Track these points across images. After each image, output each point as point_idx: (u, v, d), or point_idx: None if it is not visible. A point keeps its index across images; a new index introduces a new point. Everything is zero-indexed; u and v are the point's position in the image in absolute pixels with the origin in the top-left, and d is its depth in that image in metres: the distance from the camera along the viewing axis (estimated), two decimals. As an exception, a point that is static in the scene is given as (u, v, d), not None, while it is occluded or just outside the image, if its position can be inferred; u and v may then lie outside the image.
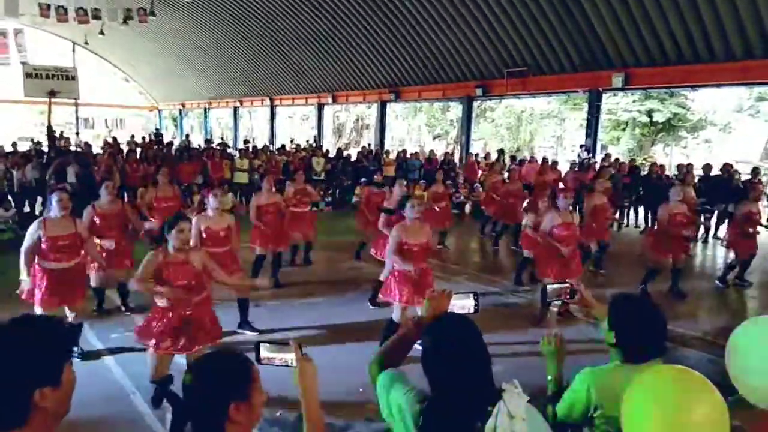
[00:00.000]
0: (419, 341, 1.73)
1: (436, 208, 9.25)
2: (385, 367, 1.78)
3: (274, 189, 7.40)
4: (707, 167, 11.65)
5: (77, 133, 24.68)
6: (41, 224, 4.59)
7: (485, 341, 1.58)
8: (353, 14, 16.63)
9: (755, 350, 1.54)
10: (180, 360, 4.01)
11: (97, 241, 5.56)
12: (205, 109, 30.82)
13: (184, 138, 23.14)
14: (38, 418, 1.22)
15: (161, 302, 3.81)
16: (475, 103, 17.77)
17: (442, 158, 16.52)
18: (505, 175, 11.65)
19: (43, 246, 4.57)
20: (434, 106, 29.32)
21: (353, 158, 17.01)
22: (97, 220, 5.64)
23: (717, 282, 7.85)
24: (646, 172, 12.91)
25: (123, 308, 6.08)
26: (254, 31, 20.76)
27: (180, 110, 33.10)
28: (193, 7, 19.19)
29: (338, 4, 16.51)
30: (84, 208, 5.72)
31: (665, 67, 11.94)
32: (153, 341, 3.79)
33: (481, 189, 12.06)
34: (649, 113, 22.91)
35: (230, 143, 23.47)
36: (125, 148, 16.34)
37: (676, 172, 11.97)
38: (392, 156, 16.85)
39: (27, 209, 11.31)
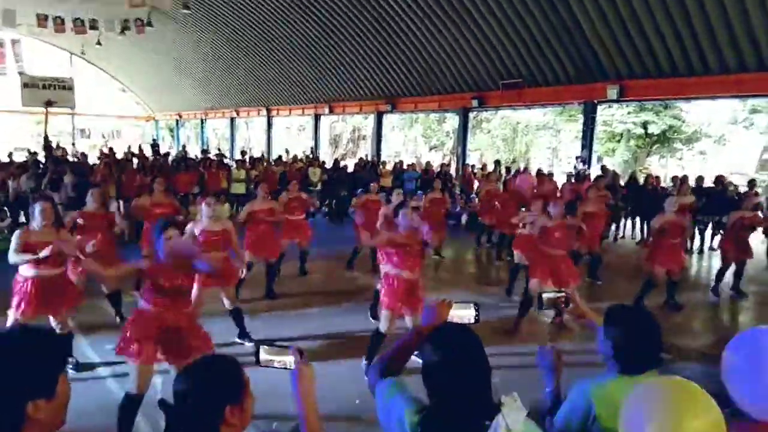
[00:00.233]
0: (417, 351, 1.72)
1: (439, 211, 9.23)
2: (384, 376, 1.77)
3: (269, 197, 7.43)
4: (700, 179, 11.74)
5: (73, 144, 24.66)
6: (23, 232, 4.53)
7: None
8: (350, 26, 16.73)
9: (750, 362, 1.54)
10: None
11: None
12: (201, 120, 30.84)
13: (180, 148, 23.17)
14: (32, 430, 1.20)
15: (148, 307, 3.65)
16: (471, 115, 17.85)
17: (439, 169, 16.56)
18: (500, 185, 11.69)
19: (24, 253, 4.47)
20: (430, 117, 29.45)
21: (350, 169, 17.04)
22: (81, 221, 5.65)
23: (711, 293, 7.87)
24: (641, 184, 12.98)
25: (117, 319, 6.03)
26: (251, 42, 20.85)
27: (177, 120, 33.11)
28: (189, 19, 19.27)
29: (335, 16, 16.62)
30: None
31: (659, 79, 12.04)
32: (134, 349, 3.55)
33: (477, 200, 12.10)
34: (644, 125, 23.06)
35: (227, 154, 23.47)
36: (122, 159, 16.32)
37: (672, 184, 12.04)
38: (389, 167, 16.88)
39: (23, 219, 11.28)
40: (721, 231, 9.74)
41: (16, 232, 4.54)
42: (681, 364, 5.16)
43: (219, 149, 23.11)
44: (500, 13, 13.14)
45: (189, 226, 5.58)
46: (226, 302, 5.58)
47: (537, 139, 28.91)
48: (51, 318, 4.66)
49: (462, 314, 1.95)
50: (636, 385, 1.41)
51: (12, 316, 4.49)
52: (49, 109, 21.23)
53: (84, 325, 5.86)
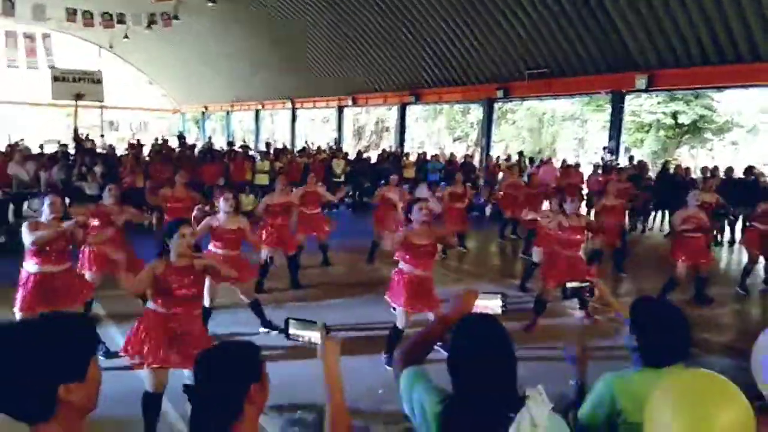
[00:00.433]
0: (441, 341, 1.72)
1: (458, 205, 9.20)
2: (408, 365, 1.78)
3: (288, 189, 7.48)
4: (729, 170, 11.46)
5: (102, 136, 25.13)
6: (31, 224, 4.51)
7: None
8: (374, 18, 16.67)
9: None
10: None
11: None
12: (227, 112, 31.15)
13: (206, 140, 23.43)
14: (64, 412, 1.25)
15: (158, 308, 3.62)
16: (496, 105, 17.67)
17: (463, 160, 16.47)
18: (525, 177, 11.59)
19: (31, 248, 4.45)
20: (454, 108, 29.25)
21: (373, 160, 17.04)
22: (96, 222, 5.66)
23: (738, 289, 7.68)
24: (672, 175, 12.73)
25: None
26: (275, 35, 20.92)
27: (203, 113, 33.51)
28: (215, 12, 19.42)
29: (359, 8, 16.56)
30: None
31: (690, 68, 11.74)
32: (141, 357, 3.56)
33: (500, 192, 12.02)
34: (674, 115, 22.56)
35: (252, 145, 23.66)
36: (149, 150, 16.58)
37: (701, 175, 11.78)
38: (412, 158, 16.84)
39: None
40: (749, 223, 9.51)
41: (25, 224, 4.52)
42: (707, 357, 5.07)
43: (244, 141, 23.30)
44: (525, 1, 12.94)
45: (206, 220, 5.63)
46: (243, 296, 5.65)
47: (563, 129, 28.52)
48: None
49: (488, 304, 1.94)
50: (662, 379, 1.39)
51: (17, 313, 4.45)
52: (79, 102, 21.66)
53: (114, 313, 6.00)
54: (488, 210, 10.39)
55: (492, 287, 7.31)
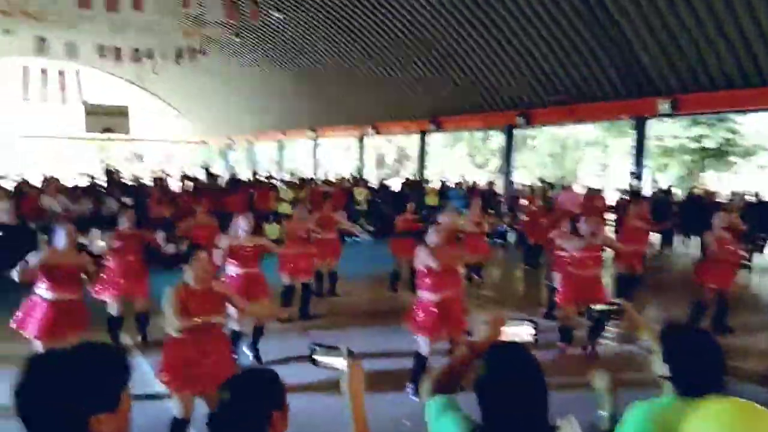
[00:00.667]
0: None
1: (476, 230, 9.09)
2: (435, 393, 1.76)
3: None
4: (756, 194, 11.34)
5: (130, 168, 25.74)
6: (44, 252, 4.65)
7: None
8: (393, 48, 16.93)
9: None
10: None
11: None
12: (251, 143, 31.71)
13: (231, 171, 23.82)
14: (94, 443, 1.26)
15: (177, 335, 3.64)
16: (517, 132, 17.67)
17: (484, 187, 16.44)
18: (549, 203, 11.50)
19: (43, 275, 4.57)
20: (475, 135, 29.30)
21: (395, 188, 17.10)
22: (115, 244, 5.79)
23: None
24: (698, 199, 12.54)
25: (141, 339, 6.09)
26: (297, 67, 21.36)
27: (227, 144, 34.15)
28: (240, 46, 19.95)
29: (378, 38, 16.85)
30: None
31: (713, 92, 11.62)
32: (169, 380, 3.61)
33: (523, 217, 11.94)
34: (698, 139, 22.28)
35: (275, 175, 23.98)
36: (176, 181, 16.91)
37: (731, 198, 11.60)
38: (434, 186, 16.87)
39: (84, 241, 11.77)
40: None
41: (42, 251, 4.66)
42: (740, 386, 4.91)
43: (268, 171, 23.62)
44: (544, 29, 13.04)
45: (223, 240, 5.69)
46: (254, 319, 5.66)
47: (586, 155, 28.34)
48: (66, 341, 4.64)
49: (519, 331, 1.91)
50: (696, 409, 1.35)
51: (33, 341, 4.52)
52: (108, 135, 22.29)
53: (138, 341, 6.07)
54: (511, 237, 10.31)
55: (516, 315, 7.21)
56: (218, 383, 3.53)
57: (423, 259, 4.84)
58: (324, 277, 8.36)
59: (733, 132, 22.27)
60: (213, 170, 22.88)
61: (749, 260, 11.01)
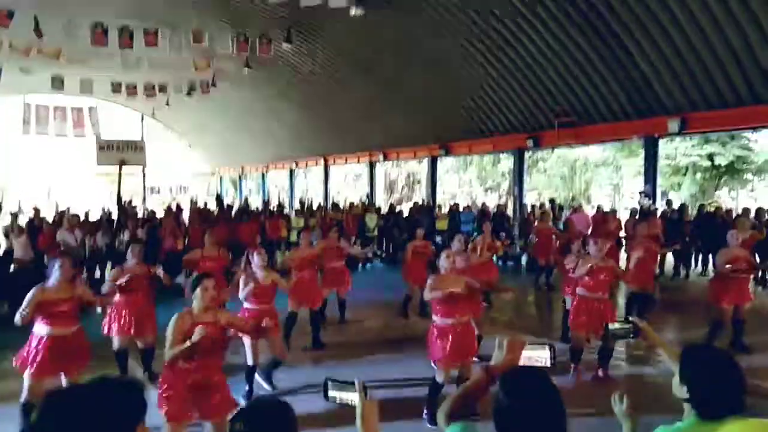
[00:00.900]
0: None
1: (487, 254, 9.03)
2: (453, 420, 1.74)
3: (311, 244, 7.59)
4: (759, 211, 11.32)
5: (144, 200, 26.05)
6: (38, 290, 4.49)
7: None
8: (400, 73, 17.13)
9: None
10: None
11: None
12: (262, 173, 32.05)
13: (243, 200, 24.04)
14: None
15: (181, 364, 3.60)
16: (527, 154, 17.70)
17: (495, 210, 16.43)
18: (558, 224, 11.45)
19: (37, 312, 4.45)
20: (485, 159, 29.38)
21: (406, 214, 17.14)
22: (122, 281, 5.70)
23: None
24: (711, 217, 12.42)
25: (145, 374, 6.00)
26: (307, 97, 21.66)
27: (239, 174, 34.55)
28: (250, 78, 20.31)
29: (386, 66, 17.07)
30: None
31: (723, 110, 11.59)
32: (165, 409, 3.55)
33: (535, 239, 11.88)
34: (710, 157, 22.16)
35: (286, 203, 24.18)
36: (187, 212, 17.08)
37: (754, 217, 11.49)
38: (444, 210, 16.88)
39: (98, 275, 11.89)
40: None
41: (32, 290, 4.49)
42: (761, 406, 4.78)
43: (279, 200, 23.82)
44: (550, 52, 13.14)
45: (241, 280, 5.70)
46: (270, 351, 5.62)
47: (597, 176, 28.28)
48: (63, 377, 4.56)
49: (536, 355, 1.88)
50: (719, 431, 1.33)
51: (26, 378, 4.43)
52: (122, 168, 22.59)
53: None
54: (524, 260, 10.25)
55: (532, 338, 7.12)
56: (212, 415, 3.59)
57: (426, 295, 4.86)
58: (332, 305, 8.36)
59: (746, 149, 22.14)
60: (225, 200, 23.13)
61: (764, 275, 10.88)
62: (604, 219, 12.17)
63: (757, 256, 8.89)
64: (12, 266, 10.43)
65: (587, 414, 4.65)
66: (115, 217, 15.16)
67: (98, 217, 14.64)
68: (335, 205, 18.96)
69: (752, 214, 11.56)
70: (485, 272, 8.89)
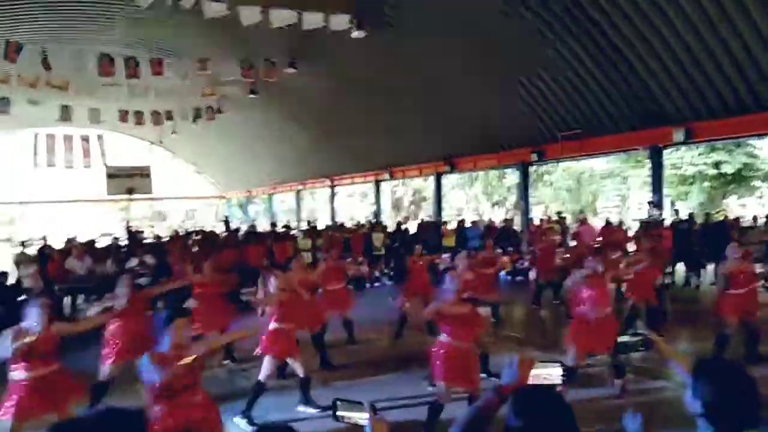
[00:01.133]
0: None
1: (487, 271, 8.97)
2: None
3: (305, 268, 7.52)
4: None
5: (152, 226, 26.20)
6: (15, 332, 4.29)
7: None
8: (404, 93, 17.24)
9: None
10: None
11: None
12: (269, 195, 32.22)
13: (250, 223, 24.13)
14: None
15: (161, 409, 3.47)
16: (532, 168, 17.70)
17: (502, 225, 16.38)
18: (568, 238, 11.40)
19: (16, 359, 4.27)
20: (490, 174, 29.39)
21: (412, 231, 17.12)
22: (117, 309, 5.64)
23: None
24: (720, 225, 12.32)
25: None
26: (312, 120, 21.84)
27: (246, 197, 34.75)
28: (255, 102, 20.54)
29: (389, 86, 17.18)
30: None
31: (727, 118, 11.57)
32: None
33: (536, 254, 11.84)
34: (717, 165, 22.06)
35: (293, 225, 24.25)
36: (194, 236, 17.15)
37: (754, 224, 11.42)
38: (451, 226, 16.85)
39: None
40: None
41: (8, 332, 4.29)
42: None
43: (287, 221, 23.89)
44: (552, 67, 13.22)
45: (262, 299, 5.72)
46: (299, 371, 5.63)
47: (603, 187, 28.18)
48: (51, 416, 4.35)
49: (546, 373, 1.85)
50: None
51: (9, 422, 4.21)
52: (130, 195, 22.82)
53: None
54: (532, 274, 10.19)
55: (540, 355, 7.04)
56: None
57: (427, 311, 4.83)
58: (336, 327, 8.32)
59: (753, 156, 22.03)
60: (232, 223, 23.23)
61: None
62: (609, 231, 12.12)
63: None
64: (22, 296, 10.48)
65: (600, 429, 4.58)
66: (123, 243, 15.24)
67: (107, 245, 14.71)
68: (342, 225, 18.97)
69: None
70: (487, 286, 8.87)
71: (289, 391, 5.89)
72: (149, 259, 11.92)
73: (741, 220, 13.07)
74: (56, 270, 11.56)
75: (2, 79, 14.76)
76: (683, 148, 17.77)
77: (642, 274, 7.45)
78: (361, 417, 1.81)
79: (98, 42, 15.60)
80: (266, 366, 5.48)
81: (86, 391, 4.75)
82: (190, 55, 15.83)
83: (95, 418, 1.33)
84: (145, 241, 16.31)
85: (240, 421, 5.24)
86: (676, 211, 13.92)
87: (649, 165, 14.03)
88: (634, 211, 23.92)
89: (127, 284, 5.88)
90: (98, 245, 14.28)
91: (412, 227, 18.18)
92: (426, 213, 27.14)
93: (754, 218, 11.40)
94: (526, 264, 13.44)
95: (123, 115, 19.96)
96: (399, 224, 17.61)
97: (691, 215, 13.13)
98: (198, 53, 15.74)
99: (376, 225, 17.68)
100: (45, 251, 12.73)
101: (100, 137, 21.84)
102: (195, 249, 14.20)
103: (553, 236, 11.39)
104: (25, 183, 29.62)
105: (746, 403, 1.83)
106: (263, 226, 23.87)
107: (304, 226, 20.50)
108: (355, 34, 13.37)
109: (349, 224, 19.72)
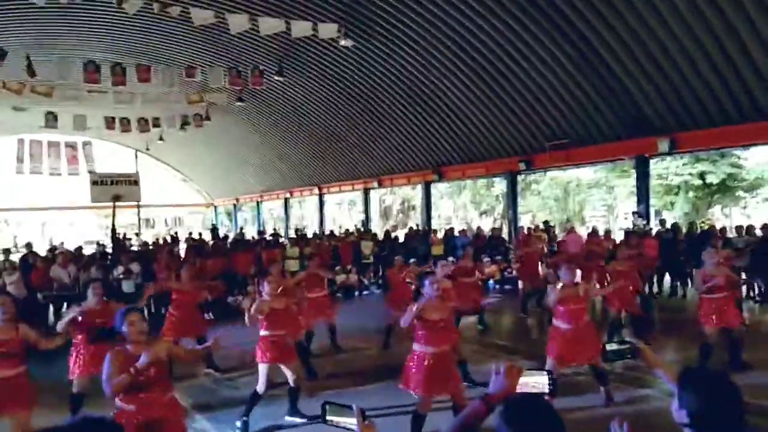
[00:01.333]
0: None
1: (466, 280, 8.92)
2: None
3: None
4: (750, 228, 11.40)
5: (137, 234, 25.95)
6: None
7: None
8: (392, 102, 17.31)
9: None
10: None
11: None
12: (257, 203, 32.08)
13: (238, 231, 24.00)
14: None
15: (125, 406, 3.48)
16: (520, 177, 17.80)
17: (490, 234, 16.43)
18: (555, 246, 11.46)
19: None
20: (478, 183, 29.52)
21: (401, 240, 17.12)
22: (80, 318, 5.50)
23: None
24: (704, 235, 12.43)
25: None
26: (300, 128, 21.82)
27: (234, 205, 34.58)
28: (242, 110, 20.51)
29: (377, 93, 17.24)
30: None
31: (711, 128, 11.73)
32: None
33: (519, 262, 11.87)
34: (702, 175, 22.34)
35: (282, 233, 24.14)
36: (183, 244, 17.02)
37: (736, 234, 11.57)
38: (440, 235, 16.87)
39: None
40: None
41: None
42: (764, 424, 4.71)
43: (275, 229, 23.78)
44: (540, 77, 13.33)
45: (257, 302, 5.68)
46: (291, 378, 5.58)
47: (590, 197, 28.42)
48: (8, 421, 4.31)
49: (534, 382, 1.85)
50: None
51: None
52: (117, 203, 22.55)
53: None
54: (521, 283, 10.22)
55: (528, 364, 7.04)
56: None
57: (403, 320, 4.71)
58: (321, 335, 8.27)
59: (737, 167, 22.34)
60: (220, 231, 23.09)
61: (748, 291, 10.91)
62: (595, 240, 12.19)
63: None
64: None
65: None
66: (109, 250, 15.08)
67: (92, 252, 14.55)
68: (331, 233, 18.93)
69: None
70: (468, 294, 8.82)
71: (278, 400, 5.83)
72: (135, 267, 11.79)
73: (726, 230, 13.19)
74: (40, 278, 11.40)
75: (-14, 85, 14.62)
76: (669, 158, 17.98)
77: (619, 281, 7.48)
78: (350, 421, 1.79)
79: (84, 48, 15.50)
80: (261, 375, 5.43)
81: (35, 403, 4.55)
82: (177, 62, 15.78)
83: (71, 428, 1.30)
84: (131, 249, 16.15)
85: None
86: (662, 221, 14.05)
87: (635, 175, 14.18)
88: (621, 221, 24.14)
89: (96, 293, 5.73)
90: (83, 253, 14.12)
91: (401, 236, 18.19)
92: (414, 222, 27.17)
93: (738, 228, 11.53)
94: (514, 272, 13.49)
95: (109, 122, 19.81)
96: (388, 232, 17.60)
97: (674, 225, 13.24)
98: (185, 60, 15.70)
99: (365, 233, 17.67)
100: (28, 259, 12.55)
101: (86, 143, 21.61)
102: (182, 256, 14.07)
103: (539, 243, 11.41)
104: (9, 190, 29.27)
105: (731, 412, 1.83)
106: (251, 234, 23.76)
107: (292, 234, 20.42)
108: (344, 42, 13.42)
109: (337, 232, 19.67)
